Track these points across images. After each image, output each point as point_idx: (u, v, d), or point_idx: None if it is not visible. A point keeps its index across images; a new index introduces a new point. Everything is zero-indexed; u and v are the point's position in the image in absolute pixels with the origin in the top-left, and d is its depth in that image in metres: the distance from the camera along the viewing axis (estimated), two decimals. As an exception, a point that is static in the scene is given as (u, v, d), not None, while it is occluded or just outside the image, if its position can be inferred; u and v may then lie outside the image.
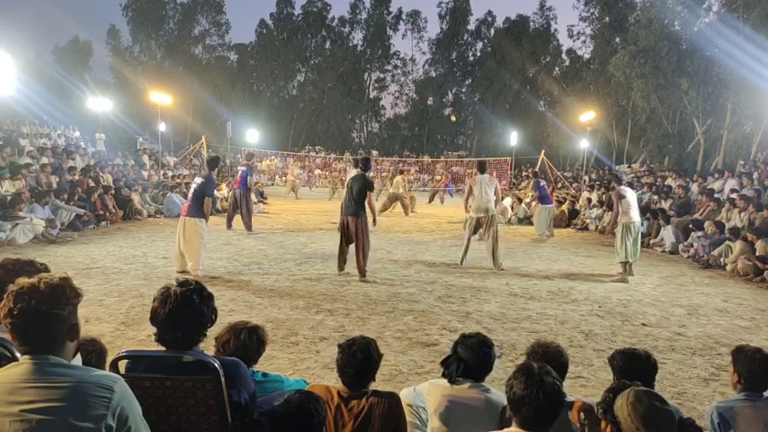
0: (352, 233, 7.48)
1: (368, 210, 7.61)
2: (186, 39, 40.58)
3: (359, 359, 2.37)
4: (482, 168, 8.91)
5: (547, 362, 2.14)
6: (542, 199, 13.43)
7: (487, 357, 2.47)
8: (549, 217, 13.40)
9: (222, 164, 28.47)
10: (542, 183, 14.34)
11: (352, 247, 7.58)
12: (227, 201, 15.32)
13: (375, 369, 2.46)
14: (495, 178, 9.14)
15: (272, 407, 2.15)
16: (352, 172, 12.19)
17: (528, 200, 15.97)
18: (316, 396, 2.16)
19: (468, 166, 33.97)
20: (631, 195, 8.24)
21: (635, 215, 8.12)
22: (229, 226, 11.95)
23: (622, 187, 8.29)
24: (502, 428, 1.98)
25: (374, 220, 8.05)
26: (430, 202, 21.67)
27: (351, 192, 7.51)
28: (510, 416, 1.91)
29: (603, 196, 16.23)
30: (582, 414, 2.08)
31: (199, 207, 7.32)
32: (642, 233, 12.44)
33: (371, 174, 12.60)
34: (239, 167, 12.84)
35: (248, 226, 11.71)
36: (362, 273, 7.45)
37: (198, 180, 7.56)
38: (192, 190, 7.52)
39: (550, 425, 1.82)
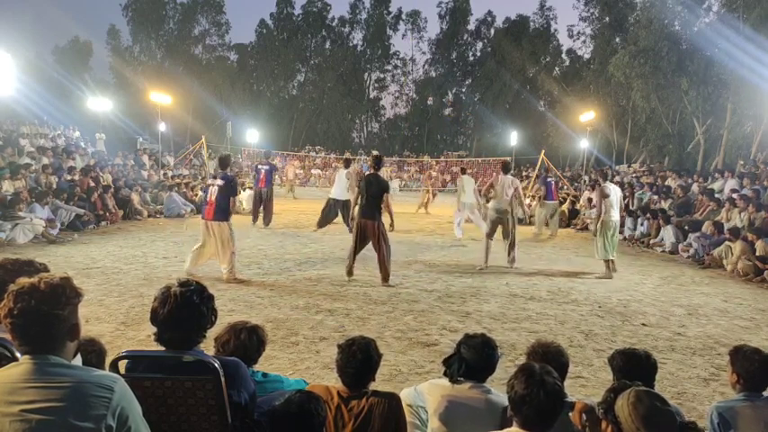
0: (370, 237, 7.19)
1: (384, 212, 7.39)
2: (186, 39, 40.59)
3: (359, 359, 2.37)
4: (506, 169, 8.88)
5: (547, 362, 2.15)
6: (546, 195, 13.58)
7: (490, 359, 2.47)
8: (547, 213, 13.51)
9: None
10: (550, 179, 14.46)
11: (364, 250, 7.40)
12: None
13: (375, 369, 2.46)
14: (517, 180, 9.07)
15: (273, 407, 2.14)
16: (342, 172, 12.08)
17: (528, 200, 15.95)
18: (316, 396, 2.16)
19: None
20: (615, 194, 8.34)
21: (614, 214, 8.29)
22: (255, 220, 12.80)
23: (607, 184, 8.38)
24: (503, 429, 1.98)
25: (392, 223, 7.67)
26: (419, 209, 18.98)
27: (366, 193, 7.16)
28: (511, 416, 1.91)
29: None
30: (583, 415, 2.08)
31: (225, 209, 7.08)
32: (642, 233, 12.57)
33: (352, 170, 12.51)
34: (261, 167, 13.15)
35: (268, 220, 12.57)
36: (386, 278, 7.17)
37: (218, 182, 7.19)
38: (213, 192, 7.15)
39: (551, 425, 1.82)
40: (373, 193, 7.12)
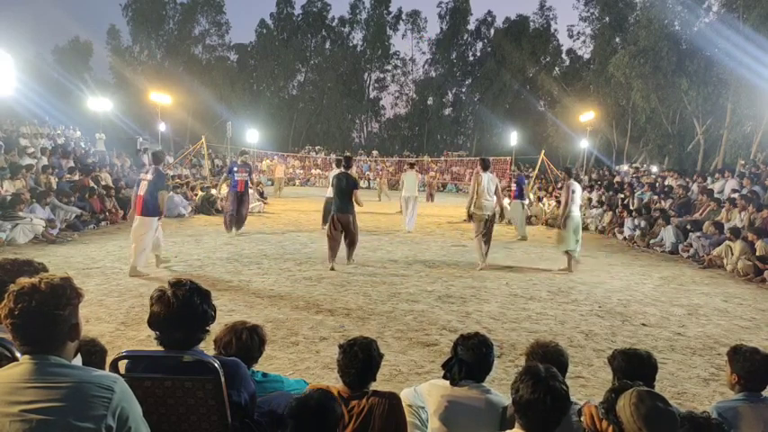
0: (344, 228, 8.07)
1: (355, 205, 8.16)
2: (186, 39, 40.61)
3: (360, 359, 2.37)
4: (485, 166, 8.78)
5: (547, 362, 2.14)
6: (518, 194, 13.34)
7: (487, 358, 2.47)
8: (523, 213, 13.22)
9: (222, 164, 28.58)
10: (525, 180, 14.57)
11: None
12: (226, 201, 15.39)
13: (376, 370, 2.46)
14: (496, 177, 8.98)
15: (291, 402, 2.13)
16: (334, 171, 12.01)
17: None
18: (333, 395, 2.17)
19: (468, 165, 34.02)
20: (578, 191, 8.75)
21: (575, 208, 8.65)
22: (238, 225, 11.76)
23: (572, 181, 8.64)
24: (503, 429, 1.98)
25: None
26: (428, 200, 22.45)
27: (338, 190, 8.06)
28: (512, 416, 1.90)
29: (603, 196, 16.23)
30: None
31: (154, 205, 7.11)
32: (642, 233, 12.55)
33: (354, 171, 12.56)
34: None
35: (231, 224, 11.04)
36: (350, 257, 8.28)
37: (148, 176, 7.15)
38: (142, 187, 7.12)
39: (555, 427, 1.81)
40: (344, 189, 8.00)
